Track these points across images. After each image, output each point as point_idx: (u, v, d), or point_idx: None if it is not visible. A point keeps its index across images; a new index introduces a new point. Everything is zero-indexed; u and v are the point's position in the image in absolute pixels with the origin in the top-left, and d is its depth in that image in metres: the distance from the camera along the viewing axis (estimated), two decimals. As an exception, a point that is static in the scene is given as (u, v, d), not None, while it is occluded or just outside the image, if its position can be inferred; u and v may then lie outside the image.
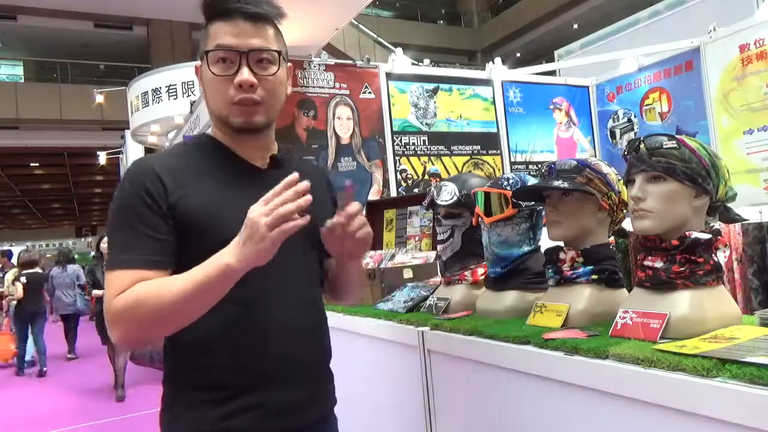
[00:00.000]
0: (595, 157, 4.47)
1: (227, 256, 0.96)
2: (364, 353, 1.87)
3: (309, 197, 0.94)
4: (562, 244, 1.36)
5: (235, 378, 1.08)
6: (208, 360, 1.08)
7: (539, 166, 4.51)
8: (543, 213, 1.48)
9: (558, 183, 1.28)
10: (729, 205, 1.17)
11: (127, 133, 9.15)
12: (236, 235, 1.02)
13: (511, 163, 4.50)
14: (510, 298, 1.50)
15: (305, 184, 0.94)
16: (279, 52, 1.15)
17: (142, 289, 0.99)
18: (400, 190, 4.00)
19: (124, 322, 1.00)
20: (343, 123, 3.84)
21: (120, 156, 11.28)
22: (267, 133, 1.19)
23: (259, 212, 0.93)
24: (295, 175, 0.96)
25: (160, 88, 7.54)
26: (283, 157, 1.22)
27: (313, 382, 1.17)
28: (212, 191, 1.10)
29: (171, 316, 1.00)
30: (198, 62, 1.17)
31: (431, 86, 4.25)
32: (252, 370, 1.09)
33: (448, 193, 1.67)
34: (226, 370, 1.08)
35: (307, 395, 1.15)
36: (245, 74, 1.09)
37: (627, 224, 1.26)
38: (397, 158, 4.03)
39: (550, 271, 1.37)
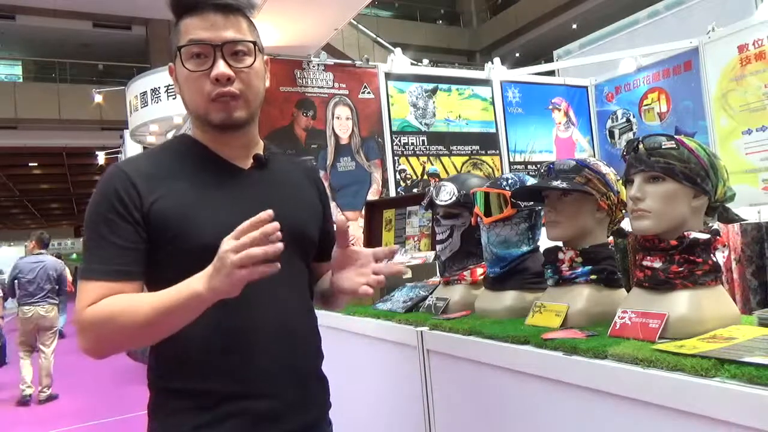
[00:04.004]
0: (594, 157, 4.48)
1: (198, 284, 0.93)
2: (362, 353, 1.87)
3: (279, 246, 0.88)
4: (560, 244, 1.36)
5: (217, 385, 1.05)
6: (189, 366, 1.05)
7: (538, 166, 4.51)
8: (542, 213, 1.48)
9: (557, 183, 1.28)
10: (728, 205, 1.17)
11: (126, 133, 9.14)
12: (213, 239, 0.99)
13: (510, 163, 4.50)
14: (509, 298, 1.50)
15: (274, 225, 0.87)
16: (254, 43, 1.10)
17: (112, 306, 0.97)
18: (399, 190, 4.00)
19: (92, 336, 1.00)
20: (342, 123, 3.84)
21: (119, 156, 11.28)
22: (249, 129, 1.15)
23: (228, 246, 0.88)
24: (267, 213, 0.89)
25: (159, 88, 7.53)
26: (267, 156, 1.18)
27: (299, 387, 1.12)
28: (188, 193, 1.07)
29: (139, 337, 1.00)
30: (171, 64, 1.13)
31: (430, 86, 4.25)
32: (234, 377, 1.05)
33: (447, 193, 1.67)
34: (208, 376, 1.05)
35: (293, 401, 1.11)
36: (221, 67, 1.05)
37: (626, 224, 1.26)
38: (396, 158, 4.03)
39: (548, 271, 1.37)
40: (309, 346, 1.19)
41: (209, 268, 0.92)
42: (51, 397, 6.08)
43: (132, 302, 0.98)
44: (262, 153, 1.18)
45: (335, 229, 1.10)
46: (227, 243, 0.89)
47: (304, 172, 1.29)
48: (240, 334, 1.06)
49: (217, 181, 1.11)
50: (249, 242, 0.87)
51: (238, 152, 1.15)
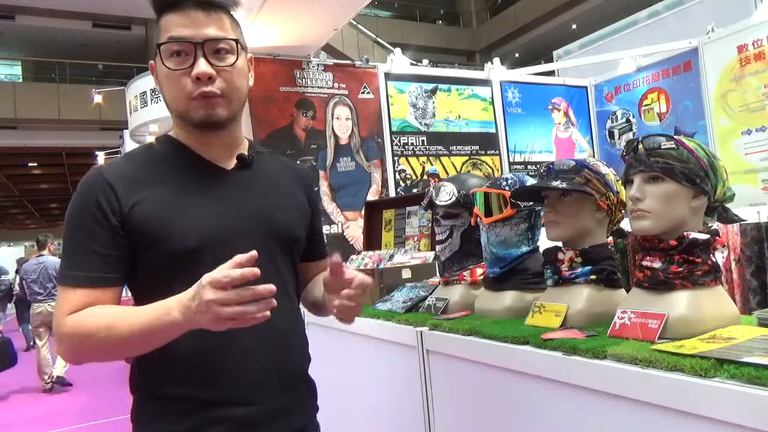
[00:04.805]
0: (594, 157, 4.49)
1: (178, 314, 0.90)
2: (362, 353, 1.87)
3: (273, 302, 0.87)
4: (560, 244, 1.36)
5: (201, 390, 1.03)
6: (173, 371, 1.04)
7: (538, 166, 4.52)
8: (541, 213, 1.48)
9: (556, 183, 1.28)
10: (727, 205, 1.17)
11: (126, 133, 9.13)
12: (197, 242, 1.00)
13: (510, 164, 4.51)
14: (508, 298, 1.50)
15: (269, 289, 0.86)
16: (236, 41, 1.07)
17: (90, 321, 0.96)
18: (398, 190, 4.00)
19: (70, 346, 0.99)
20: (341, 123, 3.84)
21: (118, 156, 11.26)
22: (232, 128, 1.12)
23: (214, 297, 0.85)
24: (252, 254, 0.86)
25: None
26: (252, 156, 1.16)
27: (285, 393, 1.11)
28: (170, 196, 1.04)
29: (116, 354, 1.00)
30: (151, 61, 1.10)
31: (430, 86, 4.26)
32: (218, 382, 1.04)
33: (446, 194, 1.67)
34: (191, 381, 1.03)
35: (281, 406, 1.09)
36: (202, 66, 1.02)
37: (625, 224, 1.26)
38: (395, 158, 4.04)
39: (548, 271, 1.37)
40: (295, 349, 1.17)
41: (187, 300, 0.89)
42: (63, 381, 6.55)
43: (111, 319, 0.96)
44: (246, 153, 1.16)
45: (329, 268, 1.02)
46: (212, 293, 0.85)
47: (291, 172, 1.26)
48: (222, 339, 1.02)
49: (199, 183, 1.09)
50: (238, 299, 0.85)
51: (220, 152, 1.13)
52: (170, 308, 0.92)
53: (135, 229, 1.02)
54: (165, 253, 1.02)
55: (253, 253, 0.87)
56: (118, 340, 0.95)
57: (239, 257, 0.86)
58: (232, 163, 1.14)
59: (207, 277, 0.87)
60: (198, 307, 0.87)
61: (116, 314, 0.97)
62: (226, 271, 0.85)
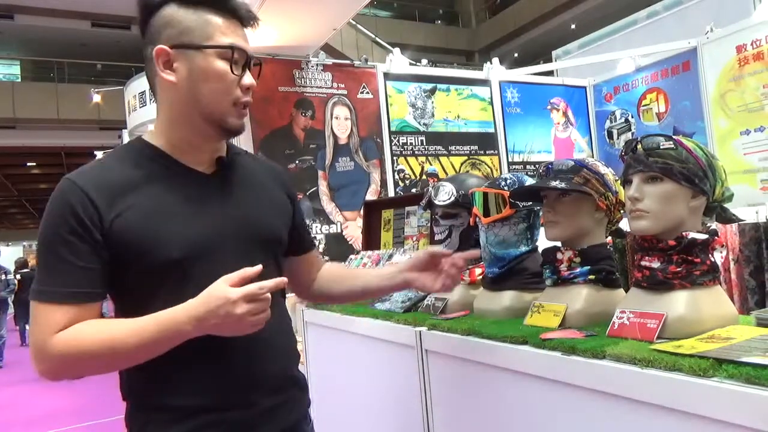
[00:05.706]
0: (593, 157, 4.48)
1: (191, 328, 0.95)
2: (361, 353, 1.87)
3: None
4: (559, 244, 1.36)
5: (192, 398, 1.03)
6: (162, 381, 1.03)
7: (537, 166, 4.52)
8: (540, 213, 1.48)
9: (555, 183, 1.28)
10: (726, 205, 1.17)
11: (125, 133, 9.10)
12: (180, 254, 1.00)
13: (509, 164, 4.51)
14: (507, 298, 1.50)
15: (282, 280, 1.00)
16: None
17: (86, 338, 0.95)
18: (397, 190, 4.00)
19: (60, 365, 0.97)
20: (340, 123, 3.84)
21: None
22: None
23: (249, 308, 0.94)
24: (258, 268, 0.98)
25: (158, 87, 7.50)
26: (231, 158, 1.16)
27: (276, 393, 1.12)
28: (151, 205, 1.02)
29: (113, 368, 1.02)
30: (161, 46, 1.03)
31: (429, 86, 4.26)
32: (210, 388, 1.04)
33: (445, 194, 1.67)
34: (181, 389, 1.03)
35: (273, 406, 1.10)
36: (252, 78, 1.09)
37: (624, 224, 1.26)
38: (394, 158, 4.04)
39: (547, 271, 1.37)
40: (284, 349, 1.18)
41: (200, 314, 0.95)
42: None
43: (110, 336, 0.95)
44: (225, 155, 1.16)
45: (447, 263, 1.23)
46: (246, 306, 0.94)
47: (269, 171, 1.27)
48: (212, 346, 1.03)
49: (180, 191, 1.07)
50: (265, 305, 0.96)
51: (203, 157, 1.12)
52: (180, 323, 0.95)
53: (117, 241, 0.99)
54: (149, 264, 1.00)
55: (259, 267, 0.98)
56: (121, 357, 0.97)
57: (247, 271, 0.96)
58: (212, 167, 1.13)
59: (235, 293, 0.93)
60: (224, 319, 0.94)
61: (115, 331, 0.96)
62: (256, 284, 0.95)
